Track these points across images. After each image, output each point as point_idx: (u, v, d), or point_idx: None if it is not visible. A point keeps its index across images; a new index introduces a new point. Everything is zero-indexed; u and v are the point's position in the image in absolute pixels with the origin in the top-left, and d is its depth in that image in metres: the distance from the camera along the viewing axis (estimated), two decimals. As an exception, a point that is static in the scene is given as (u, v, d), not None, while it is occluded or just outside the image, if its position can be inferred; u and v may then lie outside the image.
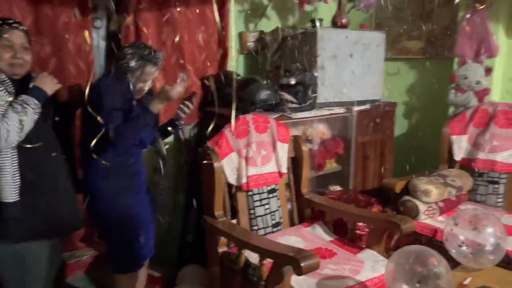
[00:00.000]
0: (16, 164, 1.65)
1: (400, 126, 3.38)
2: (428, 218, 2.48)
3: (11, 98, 1.64)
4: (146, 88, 1.99)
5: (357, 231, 2.32)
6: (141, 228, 1.98)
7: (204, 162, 2.02)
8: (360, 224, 2.34)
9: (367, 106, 2.92)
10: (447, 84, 3.03)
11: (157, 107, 1.88)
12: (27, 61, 1.74)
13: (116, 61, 1.92)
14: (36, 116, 1.67)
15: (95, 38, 2.50)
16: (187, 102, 2.11)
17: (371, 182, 3.08)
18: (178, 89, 1.86)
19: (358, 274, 1.85)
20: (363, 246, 2.13)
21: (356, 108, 2.86)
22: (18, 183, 1.65)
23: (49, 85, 1.74)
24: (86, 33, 2.25)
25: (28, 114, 1.63)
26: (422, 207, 2.45)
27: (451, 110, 3.08)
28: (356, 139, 2.91)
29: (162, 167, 2.33)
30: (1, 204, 1.62)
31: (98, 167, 1.86)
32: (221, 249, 2.04)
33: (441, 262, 1.53)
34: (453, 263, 1.89)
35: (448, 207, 2.54)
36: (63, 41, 2.21)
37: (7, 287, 1.77)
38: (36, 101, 1.67)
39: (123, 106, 1.86)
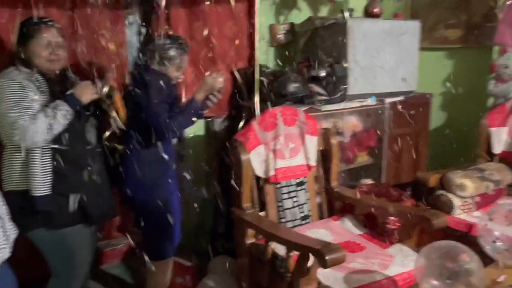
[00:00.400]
0: (48, 158, 1.70)
1: (437, 118, 3.27)
2: (464, 213, 2.39)
3: (36, 96, 1.68)
4: (181, 76, 2.10)
5: (388, 225, 2.26)
6: (175, 218, 2.06)
7: (232, 155, 2.04)
8: (392, 218, 2.28)
9: (401, 98, 2.85)
10: (487, 74, 2.90)
11: (201, 97, 2.02)
12: (63, 57, 1.82)
13: (154, 52, 2.01)
14: (67, 122, 1.71)
15: (128, 34, 2.56)
16: (216, 93, 2.14)
17: (405, 176, 3.00)
18: (220, 80, 2.04)
19: (387, 269, 1.82)
20: (394, 241, 2.09)
21: (389, 100, 2.79)
22: (49, 177, 1.69)
23: (87, 95, 1.79)
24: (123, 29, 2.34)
25: (57, 119, 1.67)
26: (457, 202, 2.37)
27: (490, 101, 2.95)
28: (390, 132, 2.85)
29: (182, 153, 2.38)
30: (32, 197, 1.66)
31: (138, 157, 1.95)
32: (249, 240, 2.06)
33: (473, 258, 1.48)
34: (488, 259, 1.83)
35: (485, 202, 2.44)
36: (98, 37, 2.28)
37: (54, 273, 1.86)
38: (68, 108, 1.71)
39: (169, 98, 1.99)
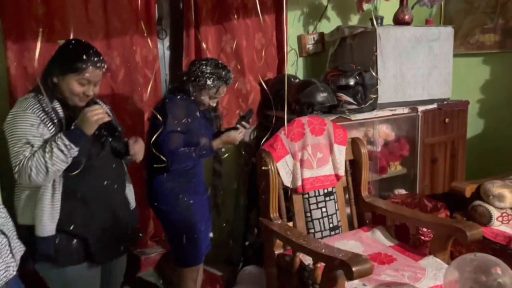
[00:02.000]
0: (58, 197, 1.56)
1: (474, 126, 3.16)
2: (503, 224, 2.29)
3: (46, 131, 1.53)
4: (214, 104, 2.12)
5: (421, 237, 2.21)
6: (200, 226, 2.09)
7: (259, 166, 2.06)
8: (425, 230, 2.22)
9: (434, 106, 2.77)
10: (527, 79, 2.78)
11: (218, 146, 2.11)
12: (94, 94, 1.65)
13: (191, 77, 2.01)
14: (69, 159, 1.52)
15: (160, 48, 2.65)
16: (243, 123, 2.18)
17: (441, 186, 2.91)
18: (239, 137, 2.12)
19: (418, 282, 1.76)
20: (426, 253, 2.03)
21: (422, 108, 2.72)
22: (56, 218, 1.56)
23: (92, 123, 1.54)
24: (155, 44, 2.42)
25: (54, 158, 1.48)
26: (495, 213, 2.28)
27: (531, 107, 2.82)
28: (423, 141, 2.77)
29: (220, 170, 2.40)
30: (36, 236, 1.54)
31: (162, 172, 1.99)
32: (278, 251, 2.06)
33: (506, 272, 1.42)
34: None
35: (526, 213, 2.33)
36: (131, 52, 2.37)
37: None
38: (67, 142, 1.50)
39: (185, 128, 1.97)
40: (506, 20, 2.96)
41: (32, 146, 1.51)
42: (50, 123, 1.55)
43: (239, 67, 2.65)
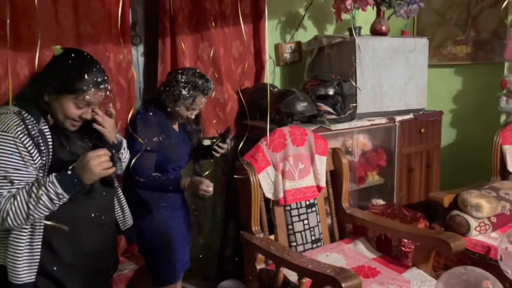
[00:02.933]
0: (39, 238, 1.30)
1: (448, 136, 3.21)
2: (480, 234, 2.31)
3: (32, 168, 1.26)
4: (193, 117, 1.98)
5: (402, 248, 2.19)
6: (176, 242, 1.98)
7: (240, 176, 1.99)
8: (405, 240, 2.21)
9: (410, 116, 2.80)
10: (498, 91, 2.85)
11: (185, 186, 1.84)
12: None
13: (166, 87, 1.89)
14: (55, 207, 1.28)
15: (134, 55, 2.55)
16: (220, 144, 2.05)
17: (417, 196, 2.93)
18: (211, 190, 1.78)
19: (404, 295, 1.74)
20: (409, 265, 2.01)
21: (399, 118, 2.74)
22: (36, 261, 1.30)
23: (93, 174, 1.30)
24: (129, 50, 2.31)
25: (40, 206, 1.24)
26: (473, 223, 2.30)
27: (502, 118, 2.89)
28: (400, 151, 2.79)
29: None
30: (10, 283, 1.28)
31: (138, 184, 1.87)
32: (259, 265, 1.99)
33: (496, 285, 1.40)
34: (510, 284, 1.74)
35: (501, 222, 2.37)
36: (104, 59, 2.26)
37: None
38: (60, 191, 1.25)
39: (156, 147, 1.84)
40: (477, 32, 3.04)
41: (12, 183, 1.23)
42: (36, 152, 1.26)
43: (216, 76, 2.58)
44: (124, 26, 2.29)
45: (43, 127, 1.29)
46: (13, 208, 1.22)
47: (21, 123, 1.24)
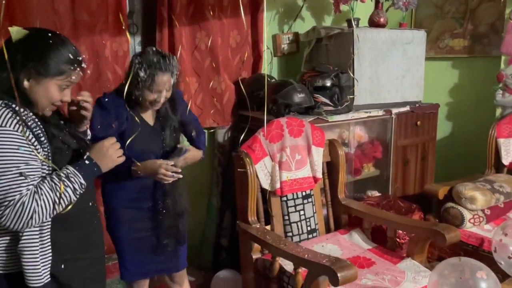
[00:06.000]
0: (47, 234, 1.25)
1: (443, 129, 3.22)
2: (474, 226, 2.34)
3: (40, 154, 1.20)
4: (161, 100, 1.74)
5: (397, 239, 2.21)
6: (117, 242, 1.85)
7: (237, 167, 1.99)
8: (400, 232, 2.23)
9: (407, 108, 2.80)
10: (494, 84, 2.86)
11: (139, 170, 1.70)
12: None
13: (127, 73, 1.75)
14: (77, 197, 1.26)
15: (131, 44, 2.52)
16: (172, 165, 1.72)
17: (412, 188, 2.95)
18: (165, 173, 1.67)
19: (399, 286, 1.76)
20: (404, 255, 2.03)
21: (396, 110, 2.74)
22: (48, 260, 1.25)
23: (108, 160, 1.32)
24: (126, 39, 2.26)
25: (65, 198, 1.22)
26: (467, 215, 2.32)
27: (498, 111, 2.90)
28: (396, 143, 2.80)
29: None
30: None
31: (110, 179, 1.74)
32: (255, 255, 2.01)
33: (490, 276, 1.42)
34: (502, 275, 1.77)
35: (495, 214, 2.39)
36: (100, 47, 2.24)
37: None
38: (82, 181, 1.25)
39: (102, 131, 1.65)
40: (475, 25, 3.04)
41: (27, 178, 1.16)
42: (37, 144, 1.20)
43: (214, 65, 2.56)
44: (121, 14, 2.27)
45: (33, 117, 1.23)
46: (40, 206, 1.17)
47: (14, 115, 1.16)
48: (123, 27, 2.23)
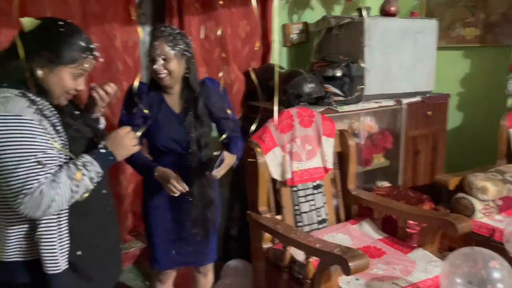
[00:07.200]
0: (65, 221, 1.27)
1: (454, 119, 3.20)
2: (485, 217, 2.32)
3: (56, 143, 1.21)
4: (161, 71, 1.71)
5: (408, 230, 2.21)
6: (156, 232, 1.88)
7: (248, 157, 1.99)
8: (411, 222, 2.23)
9: (418, 98, 2.78)
10: (506, 74, 2.82)
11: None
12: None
13: None
14: (93, 185, 1.28)
15: (141, 34, 2.52)
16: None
17: (422, 178, 2.94)
18: (175, 186, 1.68)
19: (410, 275, 1.76)
20: (414, 245, 2.03)
21: (406, 101, 2.72)
22: (67, 247, 1.27)
23: (124, 149, 1.34)
24: (139, 29, 2.25)
25: (82, 186, 1.23)
26: (478, 205, 2.30)
27: (510, 101, 2.87)
28: (406, 133, 2.78)
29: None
30: (45, 275, 1.24)
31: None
32: (266, 245, 2.01)
33: (503, 266, 1.42)
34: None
35: (507, 205, 2.37)
36: (110, 37, 2.24)
37: None
38: (99, 170, 1.27)
39: (129, 119, 1.75)
40: (487, 14, 3.00)
41: (45, 167, 1.17)
42: (54, 132, 1.21)
43: (223, 55, 2.56)
44: (130, 3, 2.27)
45: (49, 107, 1.24)
46: (59, 194, 1.18)
47: (31, 104, 1.17)
48: (133, 17, 2.23)
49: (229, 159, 1.71)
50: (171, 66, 1.71)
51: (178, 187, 1.68)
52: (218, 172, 1.68)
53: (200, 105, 1.78)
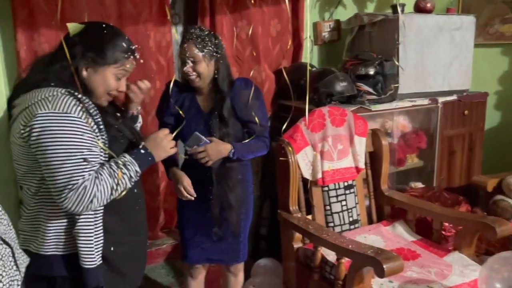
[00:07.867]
0: (101, 217, 1.30)
1: (492, 119, 3.09)
2: (526, 220, 2.24)
3: (100, 141, 1.25)
4: (191, 73, 1.74)
5: (443, 232, 2.15)
6: (186, 228, 1.92)
7: (279, 156, 1.99)
8: (446, 224, 2.17)
9: (454, 97, 2.70)
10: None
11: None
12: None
13: None
14: (131, 184, 1.32)
15: (173, 34, 2.55)
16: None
17: (458, 180, 2.85)
18: (185, 189, 1.76)
19: (446, 279, 1.71)
20: (450, 248, 1.97)
21: (442, 99, 2.65)
22: (101, 241, 1.30)
23: (163, 151, 1.38)
24: (173, 31, 2.29)
25: (122, 184, 1.27)
26: (518, 208, 2.22)
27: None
28: (441, 133, 2.71)
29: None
30: (81, 268, 1.27)
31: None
32: (297, 244, 2.01)
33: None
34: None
35: (549, 208, 2.28)
36: (144, 37, 2.28)
37: None
38: (138, 169, 1.31)
39: (163, 115, 1.88)
40: (528, 9, 2.88)
41: (90, 164, 1.21)
42: (98, 131, 1.26)
43: (254, 54, 2.56)
44: (164, 4, 2.30)
45: (94, 106, 1.28)
46: (100, 191, 1.22)
47: (78, 102, 1.21)
48: (167, 18, 2.26)
49: (212, 146, 1.69)
50: (200, 68, 1.73)
51: (184, 193, 1.73)
52: (190, 150, 1.69)
53: (226, 106, 1.77)
